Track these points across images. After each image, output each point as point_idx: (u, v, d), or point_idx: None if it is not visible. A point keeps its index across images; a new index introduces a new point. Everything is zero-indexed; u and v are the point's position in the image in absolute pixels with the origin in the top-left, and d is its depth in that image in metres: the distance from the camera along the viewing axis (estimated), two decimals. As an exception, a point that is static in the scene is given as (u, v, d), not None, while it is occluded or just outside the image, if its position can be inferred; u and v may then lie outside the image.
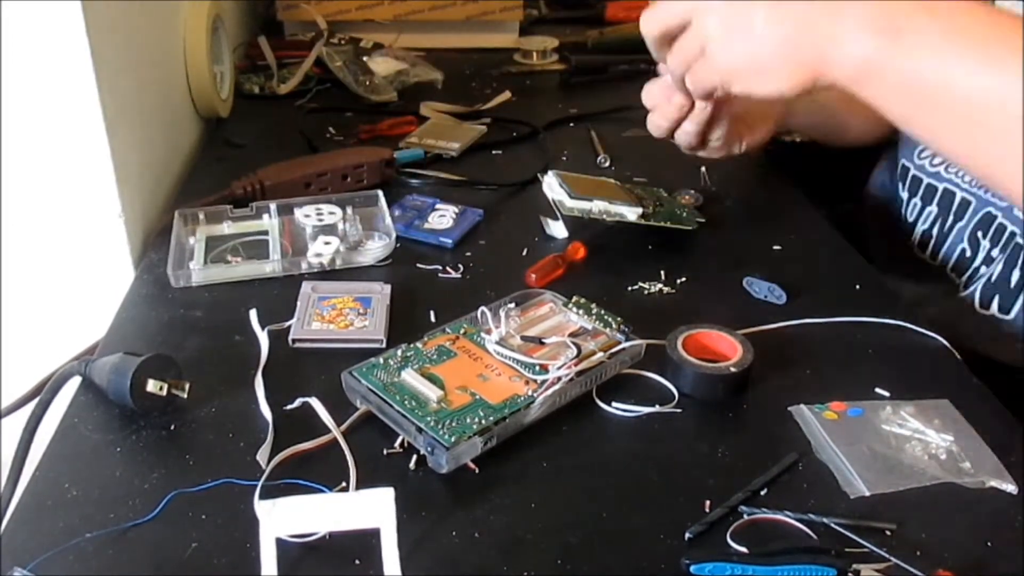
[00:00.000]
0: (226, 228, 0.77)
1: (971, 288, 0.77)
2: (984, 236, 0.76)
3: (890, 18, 0.52)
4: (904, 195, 0.84)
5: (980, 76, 0.50)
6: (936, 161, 0.81)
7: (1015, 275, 0.73)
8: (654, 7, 0.62)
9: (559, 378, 0.57)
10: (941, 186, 0.80)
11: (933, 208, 0.81)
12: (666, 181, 0.88)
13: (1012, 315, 0.74)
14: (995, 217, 0.75)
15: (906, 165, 0.84)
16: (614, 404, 0.58)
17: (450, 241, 0.77)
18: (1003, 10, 0.52)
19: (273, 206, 0.78)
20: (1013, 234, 0.74)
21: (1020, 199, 0.52)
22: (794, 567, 0.46)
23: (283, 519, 0.44)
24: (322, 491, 0.51)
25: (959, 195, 0.79)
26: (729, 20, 0.56)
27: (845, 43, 0.53)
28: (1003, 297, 0.74)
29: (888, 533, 0.49)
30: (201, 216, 0.77)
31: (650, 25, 0.62)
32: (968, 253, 0.78)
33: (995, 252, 0.75)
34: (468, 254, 0.76)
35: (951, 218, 0.80)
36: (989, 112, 0.50)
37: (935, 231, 0.81)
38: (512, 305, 0.65)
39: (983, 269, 0.76)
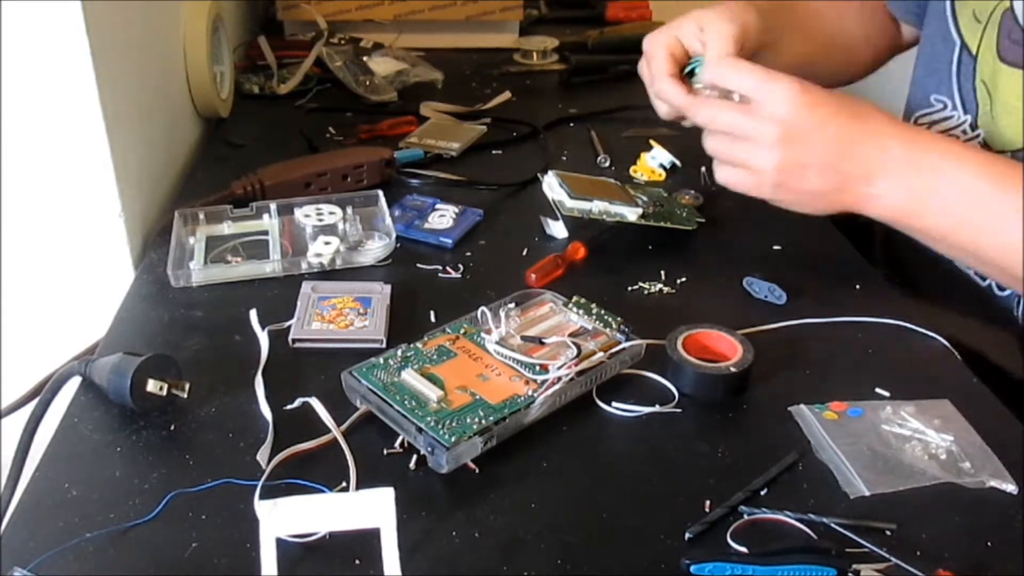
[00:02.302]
0: (226, 228, 0.77)
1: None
2: None
3: (915, 188, 0.63)
4: None
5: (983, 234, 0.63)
6: (925, 121, 0.80)
7: None
8: (715, 103, 0.68)
9: (559, 378, 0.57)
10: None
11: None
12: (666, 181, 0.88)
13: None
14: None
15: None
16: (614, 404, 0.58)
17: (450, 241, 0.77)
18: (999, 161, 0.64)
19: (273, 206, 0.78)
20: None
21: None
22: (794, 567, 0.46)
23: (283, 519, 0.44)
24: (322, 491, 0.51)
25: None
26: (786, 171, 0.65)
27: (876, 205, 0.65)
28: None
29: (888, 533, 0.49)
30: (201, 216, 0.77)
31: (709, 117, 0.68)
32: None
33: None
34: (468, 254, 0.76)
35: None
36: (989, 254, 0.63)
37: None
38: (512, 305, 0.65)
39: None
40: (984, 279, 0.77)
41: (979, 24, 0.73)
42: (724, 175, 0.68)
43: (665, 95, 0.72)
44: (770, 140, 0.64)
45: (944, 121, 0.78)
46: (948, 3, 0.77)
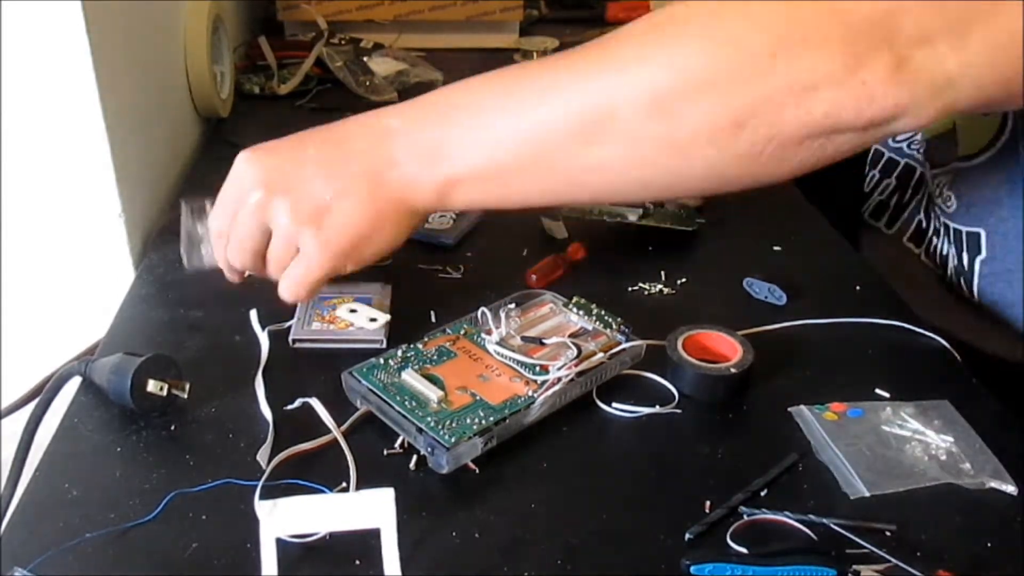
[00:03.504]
0: (226, 228, 0.77)
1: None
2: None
3: (427, 145, 0.54)
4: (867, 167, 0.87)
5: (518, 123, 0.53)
6: (900, 137, 0.82)
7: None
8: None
9: (559, 379, 0.57)
10: (902, 161, 0.83)
11: (891, 181, 0.84)
12: (666, 181, 0.88)
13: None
14: None
15: None
16: (614, 404, 0.58)
17: (450, 241, 0.77)
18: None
19: (273, 206, 0.78)
20: None
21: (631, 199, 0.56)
22: (794, 568, 0.46)
23: (283, 519, 0.44)
24: (322, 491, 0.51)
25: (919, 171, 0.81)
26: (300, 206, 0.55)
27: (408, 175, 0.55)
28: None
29: (888, 534, 0.49)
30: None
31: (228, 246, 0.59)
32: (923, 224, 0.80)
33: None
34: (468, 254, 0.76)
35: (908, 192, 0.82)
36: (549, 149, 0.52)
37: (892, 202, 0.84)
38: (512, 306, 0.65)
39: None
40: None
41: None
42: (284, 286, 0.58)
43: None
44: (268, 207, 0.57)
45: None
46: None
